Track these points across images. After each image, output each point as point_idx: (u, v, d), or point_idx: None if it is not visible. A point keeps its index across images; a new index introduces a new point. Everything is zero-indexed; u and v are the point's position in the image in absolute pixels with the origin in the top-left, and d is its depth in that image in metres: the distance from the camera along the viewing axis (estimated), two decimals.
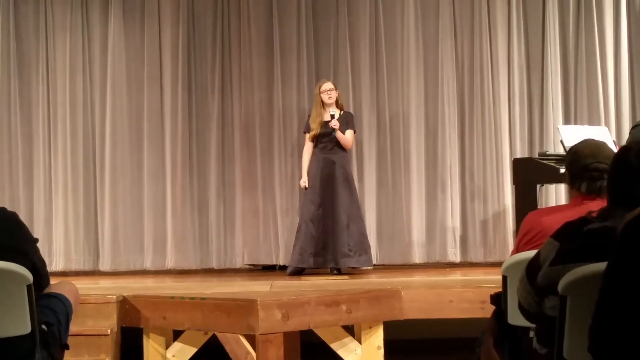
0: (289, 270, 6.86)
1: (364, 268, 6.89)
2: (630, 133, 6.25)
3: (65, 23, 7.65)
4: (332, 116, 6.74)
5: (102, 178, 7.57)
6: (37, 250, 3.04)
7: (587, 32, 7.65)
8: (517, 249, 3.16)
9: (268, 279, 6.40)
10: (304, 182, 6.88)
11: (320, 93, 6.88)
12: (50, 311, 3.08)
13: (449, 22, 7.69)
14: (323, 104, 6.87)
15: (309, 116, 7.02)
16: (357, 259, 6.78)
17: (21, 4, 7.66)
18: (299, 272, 6.78)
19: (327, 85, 6.89)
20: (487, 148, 7.59)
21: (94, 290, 5.35)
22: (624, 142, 6.52)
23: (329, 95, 6.85)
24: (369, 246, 6.98)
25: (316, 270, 6.82)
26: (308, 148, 6.95)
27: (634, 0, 7.70)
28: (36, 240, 3.07)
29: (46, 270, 3.10)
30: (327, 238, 6.74)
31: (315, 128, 6.83)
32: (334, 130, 6.73)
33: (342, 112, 6.91)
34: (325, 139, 6.83)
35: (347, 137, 6.83)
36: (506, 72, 7.65)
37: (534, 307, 2.53)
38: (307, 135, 6.93)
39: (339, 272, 6.75)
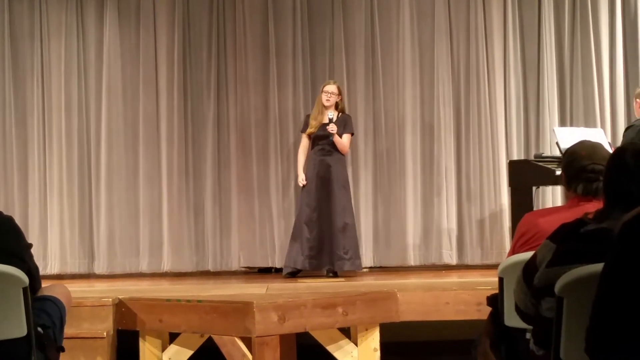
0: (284, 271, 6.85)
1: (358, 271, 6.88)
2: (623, 135, 6.28)
3: (60, 26, 7.64)
4: (330, 120, 6.72)
5: (98, 181, 7.56)
6: (31, 256, 3.04)
7: (582, 35, 7.66)
8: (514, 251, 3.15)
9: (264, 282, 6.40)
10: (302, 180, 6.85)
11: (322, 92, 6.86)
12: (45, 314, 3.08)
13: (444, 25, 7.69)
14: (323, 105, 6.87)
15: (307, 115, 7.01)
16: (352, 262, 6.77)
17: (16, 6, 7.64)
18: (294, 274, 6.77)
19: (330, 88, 6.85)
20: (483, 150, 7.60)
21: (89, 293, 5.34)
22: (619, 143, 6.53)
23: (328, 98, 6.81)
24: (360, 250, 7.01)
25: (312, 272, 6.82)
26: (304, 147, 6.95)
27: (629, 3, 7.72)
28: (30, 245, 3.07)
29: (39, 275, 3.10)
30: (323, 241, 6.73)
31: (313, 126, 6.81)
32: (331, 135, 6.73)
33: (340, 114, 6.89)
34: (322, 142, 6.81)
35: (343, 142, 6.81)
36: (502, 74, 7.65)
37: (531, 309, 2.54)
38: (304, 134, 6.93)
39: (335, 274, 6.75)
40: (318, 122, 6.81)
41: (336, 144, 6.77)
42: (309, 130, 6.84)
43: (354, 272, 6.85)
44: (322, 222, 6.75)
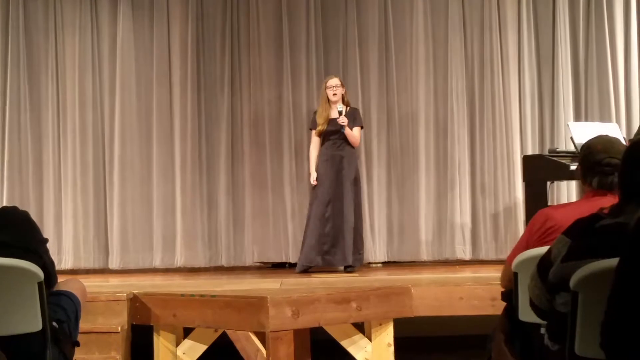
0: (298, 268, 6.83)
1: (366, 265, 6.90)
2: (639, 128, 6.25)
3: (75, 21, 7.66)
4: (340, 112, 6.72)
5: (112, 176, 7.58)
6: (47, 250, 3.05)
7: (597, 29, 7.62)
8: (527, 245, 3.15)
9: (278, 277, 6.40)
10: (314, 179, 6.87)
11: (325, 89, 6.86)
12: (60, 309, 3.10)
13: (458, 19, 7.67)
14: (329, 100, 6.87)
15: (314, 112, 7.01)
16: (363, 256, 6.83)
17: (30, 2, 7.67)
18: (307, 270, 6.76)
19: (333, 82, 6.86)
20: (498, 145, 7.57)
21: (104, 288, 5.36)
22: None
23: (334, 92, 6.82)
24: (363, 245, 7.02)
25: (325, 267, 6.81)
26: (315, 144, 6.94)
27: None
28: (46, 240, 3.08)
29: (55, 270, 3.11)
30: (337, 237, 6.72)
31: (321, 124, 6.82)
32: (342, 127, 6.72)
33: (348, 108, 6.88)
34: (333, 137, 6.81)
35: (355, 134, 6.81)
36: (516, 69, 7.63)
37: (546, 304, 2.53)
38: (314, 132, 6.93)
39: (352, 269, 6.74)
40: (326, 118, 6.82)
41: (347, 137, 6.77)
42: (319, 127, 6.84)
43: (368, 266, 6.86)
44: (336, 217, 6.73)
